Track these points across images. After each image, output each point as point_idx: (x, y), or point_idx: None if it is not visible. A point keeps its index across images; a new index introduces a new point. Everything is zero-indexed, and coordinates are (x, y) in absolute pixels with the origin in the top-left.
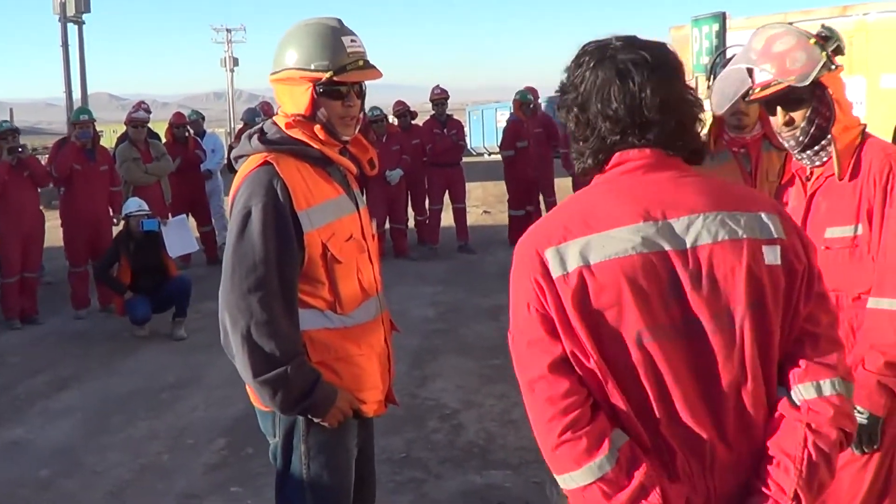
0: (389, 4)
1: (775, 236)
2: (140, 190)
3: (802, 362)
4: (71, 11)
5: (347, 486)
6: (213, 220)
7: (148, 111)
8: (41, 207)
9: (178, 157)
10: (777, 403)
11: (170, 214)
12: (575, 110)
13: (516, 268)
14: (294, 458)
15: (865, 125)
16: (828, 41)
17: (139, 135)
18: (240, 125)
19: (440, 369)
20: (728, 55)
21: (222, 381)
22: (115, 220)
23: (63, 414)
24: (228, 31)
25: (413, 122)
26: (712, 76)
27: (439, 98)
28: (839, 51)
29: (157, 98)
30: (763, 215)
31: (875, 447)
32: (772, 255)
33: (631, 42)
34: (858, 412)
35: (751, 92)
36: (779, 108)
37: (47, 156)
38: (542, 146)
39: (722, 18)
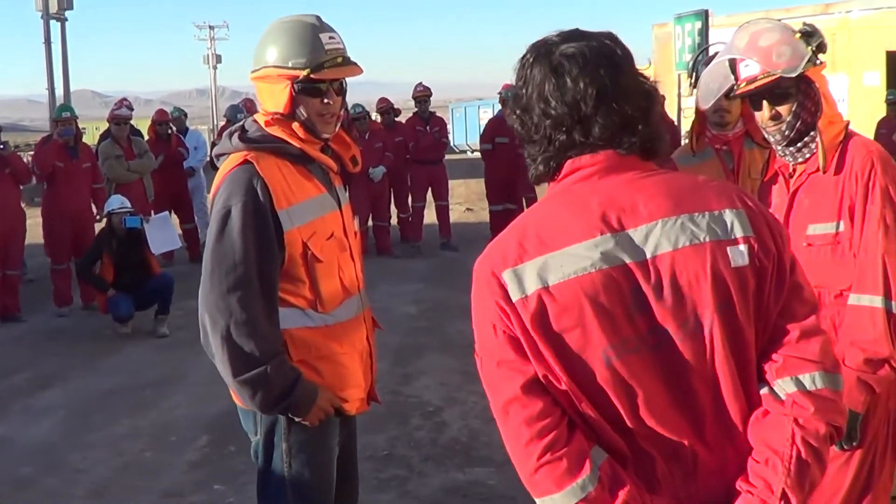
0: (373, 1)
1: (740, 234)
2: (122, 187)
3: (780, 358)
4: (53, 8)
5: (329, 484)
6: (195, 218)
7: (130, 108)
8: (23, 205)
9: (160, 155)
10: (760, 400)
11: (152, 212)
12: (518, 112)
13: (477, 289)
14: (275, 457)
15: (849, 122)
16: (811, 37)
17: (122, 132)
18: (223, 122)
19: (423, 367)
20: (710, 52)
21: (205, 379)
22: (97, 218)
23: (45, 412)
24: (211, 27)
25: (396, 119)
26: (694, 73)
27: (422, 95)
28: (822, 48)
29: (141, 95)
30: (727, 212)
31: (856, 444)
32: (738, 257)
33: (569, 36)
34: None
35: (736, 87)
36: (764, 103)
37: (31, 153)
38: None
39: (704, 16)
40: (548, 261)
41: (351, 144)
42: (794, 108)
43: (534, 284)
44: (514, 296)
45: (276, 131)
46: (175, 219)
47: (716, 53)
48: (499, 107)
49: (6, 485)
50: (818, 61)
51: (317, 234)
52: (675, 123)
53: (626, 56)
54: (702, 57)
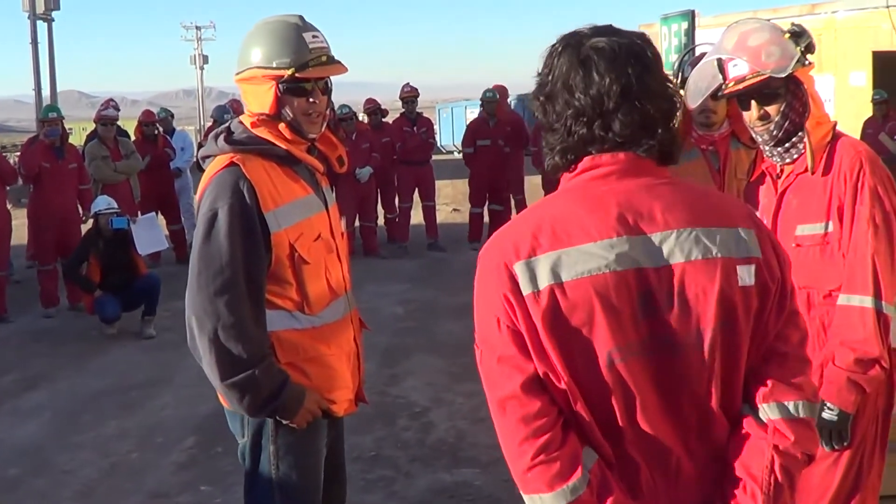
0: (360, 2)
1: (751, 255)
2: (109, 188)
3: (769, 382)
4: (40, 8)
5: (317, 486)
6: (182, 219)
7: (117, 109)
8: (9, 206)
9: (147, 155)
10: (741, 419)
11: (139, 212)
12: (542, 99)
13: (482, 280)
14: (263, 459)
15: (836, 122)
16: (800, 38)
17: (108, 133)
18: (209, 123)
19: (410, 367)
20: (697, 53)
21: (192, 380)
22: (83, 218)
23: (32, 413)
24: (198, 28)
25: (383, 119)
26: (681, 74)
27: (409, 96)
28: (810, 48)
29: (127, 96)
30: (740, 230)
31: (845, 444)
32: (746, 276)
33: (601, 30)
34: (829, 409)
35: (724, 86)
36: (753, 103)
37: (17, 154)
38: (510, 145)
39: (691, 16)
40: (561, 256)
41: (337, 144)
42: (782, 109)
43: (546, 279)
44: (525, 289)
45: (262, 132)
46: (162, 219)
47: (703, 54)
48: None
49: None
50: (807, 62)
51: (304, 235)
52: None
53: (655, 58)
54: (688, 57)
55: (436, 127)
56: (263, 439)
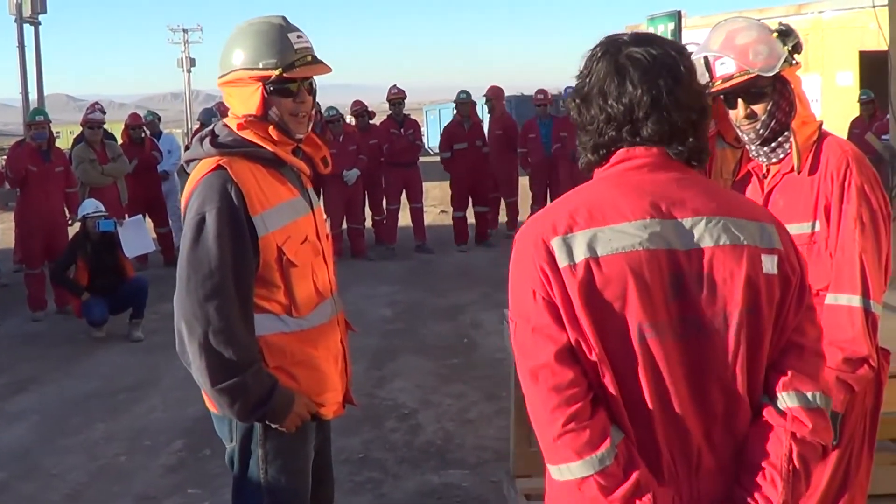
0: (345, 4)
1: (774, 246)
2: (96, 191)
3: (789, 371)
4: (27, 12)
5: (305, 490)
6: (169, 222)
7: (103, 112)
8: None
9: (134, 158)
10: (761, 410)
11: (126, 215)
12: (577, 100)
13: (519, 255)
14: (251, 463)
15: (822, 122)
16: (787, 37)
17: (95, 136)
18: (196, 125)
19: (398, 369)
20: None
21: (180, 383)
22: (70, 222)
23: (20, 416)
24: (185, 31)
25: (370, 121)
26: None
27: (396, 98)
28: (798, 48)
29: (115, 99)
30: (764, 224)
31: (834, 443)
32: (770, 264)
33: (639, 38)
34: None
35: (711, 84)
36: (739, 101)
37: (4, 157)
38: (501, 147)
39: (678, 17)
40: (597, 234)
41: (321, 146)
42: (769, 108)
43: (582, 253)
44: (562, 262)
45: (248, 135)
46: (149, 222)
47: (690, 53)
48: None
49: None
50: (794, 61)
51: (291, 238)
52: None
53: (689, 70)
54: None
55: (423, 129)
56: (252, 444)
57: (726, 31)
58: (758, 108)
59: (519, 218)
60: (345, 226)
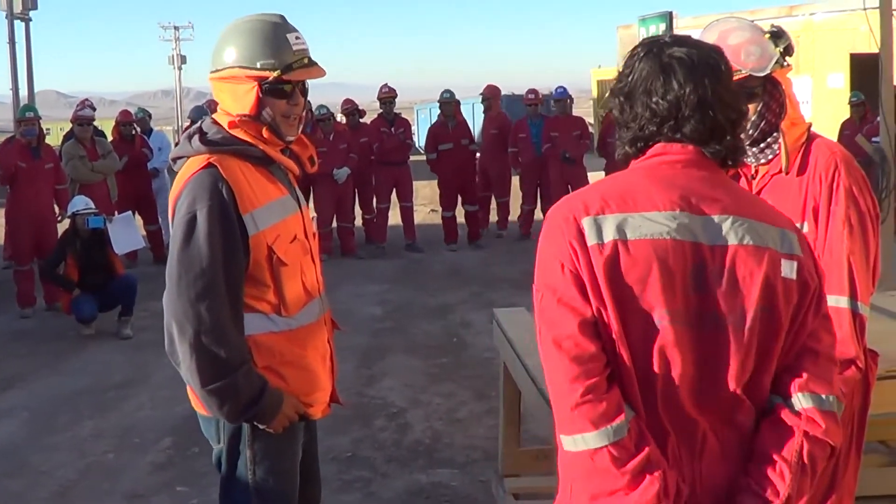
0: (337, 2)
1: (794, 252)
2: (86, 188)
3: (805, 374)
4: (18, 8)
5: (293, 490)
6: (159, 219)
7: (93, 108)
8: None
9: (124, 155)
10: (772, 408)
11: (116, 212)
12: (620, 98)
13: (549, 231)
14: (240, 464)
15: (811, 123)
16: (779, 39)
17: (85, 132)
18: (187, 123)
19: (387, 368)
20: None
21: (168, 380)
22: (59, 218)
23: (8, 414)
24: (176, 28)
25: (361, 120)
26: None
27: (387, 97)
28: (789, 50)
29: (105, 96)
30: (787, 231)
31: None
32: (789, 269)
33: (680, 40)
34: None
35: None
36: None
37: None
38: (496, 146)
39: (669, 18)
40: (627, 219)
41: (308, 144)
42: (759, 108)
43: (611, 234)
44: (591, 241)
45: (239, 133)
46: (139, 220)
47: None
48: (478, 107)
49: None
50: (785, 63)
51: (281, 237)
52: None
53: (728, 71)
54: None
55: (414, 128)
56: (240, 444)
57: (718, 31)
58: (748, 109)
59: (510, 218)
60: (335, 224)
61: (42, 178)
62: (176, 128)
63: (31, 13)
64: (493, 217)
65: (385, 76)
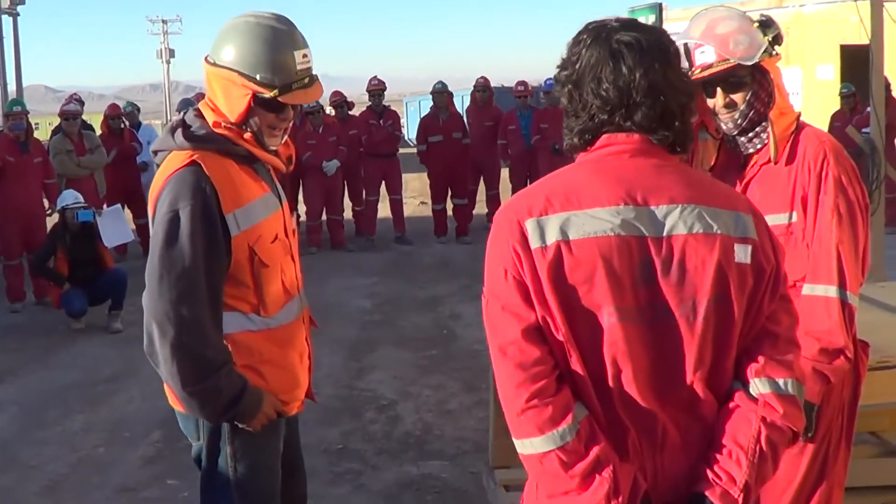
0: None
1: (748, 236)
2: (74, 182)
3: (761, 358)
4: (6, 3)
5: (275, 486)
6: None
7: (81, 103)
8: None
9: (113, 149)
10: (732, 394)
11: (105, 206)
12: (569, 87)
13: (495, 234)
14: (220, 461)
15: (800, 113)
16: (768, 28)
17: (72, 127)
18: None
19: (377, 360)
20: None
21: (158, 374)
22: (49, 213)
23: None
24: (164, 22)
25: (350, 112)
26: None
27: (376, 89)
28: (778, 39)
29: (94, 90)
30: (739, 214)
31: (810, 435)
32: (742, 254)
33: (628, 24)
34: None
35: (691, 73)
36: (718, 90)
37: None
38: (489, 138)
39: (658, 9)
40: (571, 217)
41: (289, 143)
42: (747, 97)
43: (554, 236)
44: (534, 244)
45: (223, 130)
46: (128, 213)
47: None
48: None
49: None
50: (774, 52)
51: (262, 237)
52: None
53: (676, 53)
54: None
55: (403, 120)
56: (220, 441)
57: (707, 20)
58: (737, 98)
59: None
60: (324, 217)
61: (31, 173)
62: (164, 122)
63: (19, 8)
64: (483, 209)
65: (375, 68)
